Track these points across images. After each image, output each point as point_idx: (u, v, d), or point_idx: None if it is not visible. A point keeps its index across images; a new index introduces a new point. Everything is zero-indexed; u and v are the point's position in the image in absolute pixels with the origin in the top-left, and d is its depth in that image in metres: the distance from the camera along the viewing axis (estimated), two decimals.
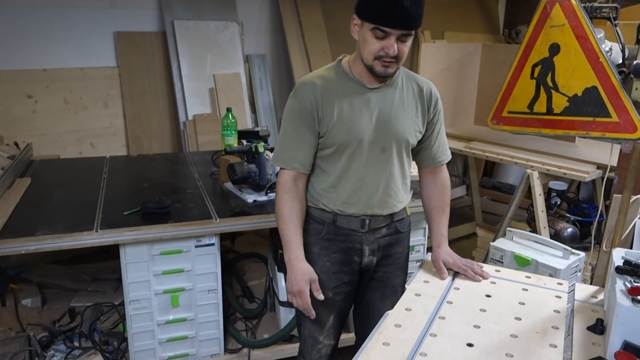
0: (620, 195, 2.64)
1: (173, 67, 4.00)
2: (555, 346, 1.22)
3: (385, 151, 1.63)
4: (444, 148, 1.79)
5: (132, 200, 2.33)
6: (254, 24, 4.46)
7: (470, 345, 1.22)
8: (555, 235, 3.10)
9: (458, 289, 1.51)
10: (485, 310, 1.38)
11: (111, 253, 3.00)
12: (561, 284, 1.58)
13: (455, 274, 1.63)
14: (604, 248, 2.70)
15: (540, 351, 1.20)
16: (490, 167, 5.28)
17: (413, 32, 1.48)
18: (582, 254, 2.72)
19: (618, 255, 1.42)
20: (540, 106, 2.88)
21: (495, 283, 1.56)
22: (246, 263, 3.11)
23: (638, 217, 2.50)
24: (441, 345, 1.22)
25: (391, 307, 1.73)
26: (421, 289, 1.50)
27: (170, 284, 2.19)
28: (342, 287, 1.72)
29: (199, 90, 4.07)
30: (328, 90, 1.59)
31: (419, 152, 1.77)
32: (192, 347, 2.30)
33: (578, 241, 3.14)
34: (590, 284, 2.79)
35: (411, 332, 1.27)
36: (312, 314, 1.59)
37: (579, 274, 2.74)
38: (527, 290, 1.52)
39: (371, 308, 1.80)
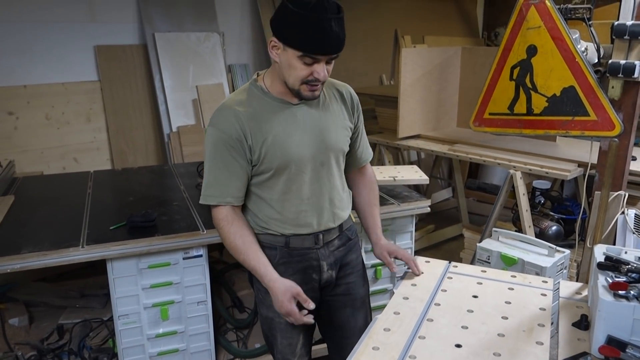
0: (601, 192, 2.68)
1: (155, 79, 4.00)
2: (542, 343, 1.24)
3: (324, 165, 1.59)
4: (366, 147, 1.80)
5: (118, 215, 2.32)
6: (235, 34, 4.48)
7: (458, 346, 1.24)
8: (540, 234, 3.14)
9: (445, 290, 1.53)
10: (472, 311, 1.40)
11: (99, 268, 2.98)
12: (546, 282, 1.60)
13: (444, 275, 1.65)
14: (588, 245, 2.74)
15: (527, 349, 1.22)
16: (474, 169, 5.33)
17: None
18: (567, 251, 2.76)
19: (599, 252, 1.45)
20: (521, 107, 2.93)
21: (481, 284, 1.58)
22: (235, 273, 3.11)
23: (620, 213, 2.55)
24: (430, 347, 1.23)
25: (364, 323, 1.72)
26: (409, 292, 1.51)
27: (159, 297, 2.18)
28: None
29: (182, 102, 4.07)
30: (251, 114, 1.50)
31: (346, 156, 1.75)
32: None
33: (563, 239, 3.18)
34: (577, 280, 2.84)
35: (400, 336, 1.28)
36: (309, 321, 1.53)
37: (565, 271, 2.78)
38: (513, 289, 1.54)
39: (345, 329, 1.75)
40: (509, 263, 2.71)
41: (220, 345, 2.44)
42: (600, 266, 1.34)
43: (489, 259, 2.79)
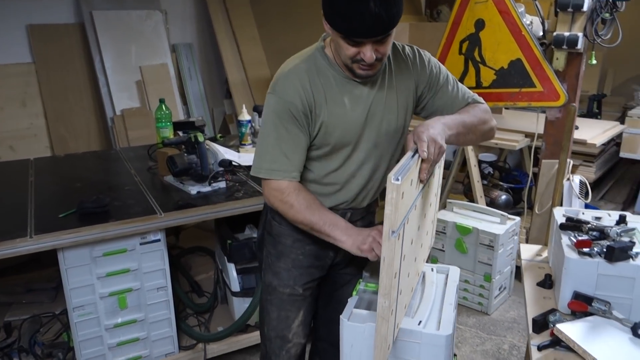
0: (549, 161, 2.80)
1: (95, 61, 3.80)
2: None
3: (377, 147, 1.49)
4: (463, 92, 1.53)
5: (66, 202, 2.20)
6: (179, 12, 4.31)
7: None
8: (491, 203, 3.25)
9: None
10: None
11: (44, 261, 2.83)
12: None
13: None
14: (537, 211, 2.86)
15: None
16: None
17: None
18: (517, 218, 2.88)
19: (559, 214, 1.51)
20: (470, 80, 2.99)
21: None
22: (191, 258, 3.04)
23: (565, 179, 2.67)
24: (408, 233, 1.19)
25: None
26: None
27: (116, 285, 2.09)
28: (311, 283, 1.61)
29: (126, 84, 3.90)
30: (318, 87, 1.39)
31: (434, 115, 1.50)
32: (145, 349, 2.22)
33: (512, 207, 3.31)
34: None
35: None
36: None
37: (516, 237, 2.90)
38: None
39: (342, 304, 1.58)
40: (464, 232, 2.80)
41: (182, 331, 2.38)
42: (563, 227, 1.39)
43: (444, 230, 2.87)
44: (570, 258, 1.25)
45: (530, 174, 3.04)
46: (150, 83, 3.94)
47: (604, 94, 4.38)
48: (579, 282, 1.25)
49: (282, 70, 1.41)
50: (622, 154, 3.73)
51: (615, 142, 3.96)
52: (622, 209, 3.81)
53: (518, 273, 3.06)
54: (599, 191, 4.04)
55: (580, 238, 1.28)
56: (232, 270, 2.37)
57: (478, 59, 2.94)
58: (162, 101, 2.82)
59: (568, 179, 2.68)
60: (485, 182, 3.38)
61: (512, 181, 3.39)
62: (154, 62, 4.00)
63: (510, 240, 2.80)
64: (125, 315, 2.14)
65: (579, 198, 2.71)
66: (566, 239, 1.33)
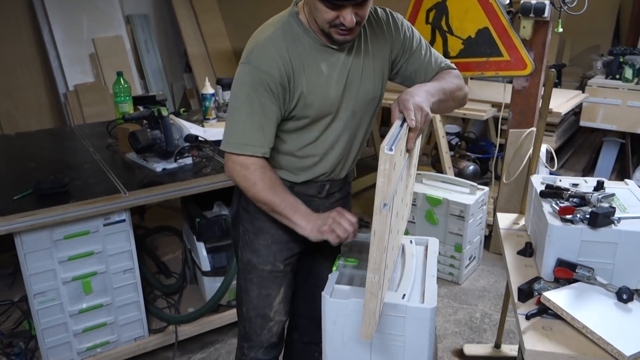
0: (516, 130, 2.82)
1: (44, 32, 3.57)
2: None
3: (355, 115, 1.43)
4: (436, 58, 1.47)
5: (20, 183, 2.06)
6: None
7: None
8: (459, 174, 3.27)
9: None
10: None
11: None
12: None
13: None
14: (504, 180, 2.89)
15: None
16: (389, 116, 5.41)
17: None
18: (486, 188, 2.90)
19: (537, 181, 1.50)
20: (437, 50, 2.94)
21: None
22: (157, 238, 2.94)
23: (532, 148, 2.70)
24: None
25: None
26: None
27: (79, 269, 1.99)
28: (292, 258, 1.56)
29: (78, 57, 3.68)
30: (296, 55, 1.30)
31: (409, 80, 1.47)
32: (113, 334, 2.14)
33: (480, 177, 3.34)
34: (493, 215, 2.99)
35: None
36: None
37: (485, 207, 2.93)
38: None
39: (320, 279, 1.53)
40: (434, 203, 2.80)
41: (151, 313, 2.30)
42: (543, 194, 1.38)
43: (414, 201, 2.86)
44: (553, 225, 1.24)
45: (498, 144, 3.06)
46: (104, 56, 3.74)
47: (563, 64, 4.44)
48: (562, 249, 1.25)
49: (257, 39, 1.32)
50: (582, 123, 3.81)
51: (574, 111, 4.04)
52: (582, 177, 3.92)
53: (486, 242, 3.10)
54: (559, 160, 4.13)
55: (562, 205, 1.27)
56: (201, 249, 2.30)
57: (445, 28, 2.90)
58: (120, 74, 2.68)
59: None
60: (452, 153, 3.39)
61: (479, 151, 3.41)
62: (107, 34, 3.79)
63: (479, 210, 2.83)
64: (90, 300, 2.05)
65: (545, 166, 2.75)
66: (547, 207, 1.32)
